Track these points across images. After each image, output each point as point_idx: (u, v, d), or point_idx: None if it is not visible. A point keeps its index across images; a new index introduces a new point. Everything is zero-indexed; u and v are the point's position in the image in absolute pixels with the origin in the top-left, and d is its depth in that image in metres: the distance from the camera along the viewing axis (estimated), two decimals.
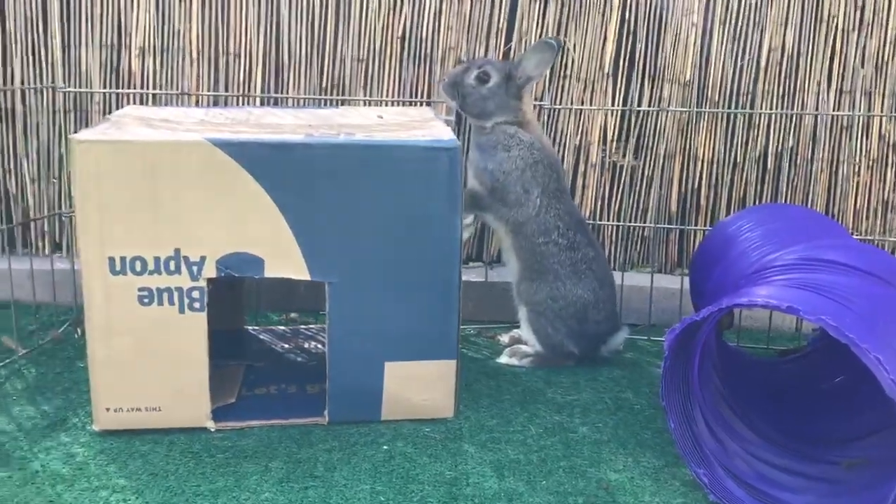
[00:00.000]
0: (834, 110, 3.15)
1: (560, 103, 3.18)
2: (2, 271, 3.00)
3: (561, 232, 2.64)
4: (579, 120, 3.22)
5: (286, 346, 2.78)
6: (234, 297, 2.83)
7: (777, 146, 3.21)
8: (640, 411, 2.42)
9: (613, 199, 3.28)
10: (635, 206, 3.28)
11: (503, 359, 2.75)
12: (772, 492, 1.97)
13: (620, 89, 3.21)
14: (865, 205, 3.22)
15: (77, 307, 2.86)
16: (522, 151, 2.61)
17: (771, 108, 3.16)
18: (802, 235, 2.26)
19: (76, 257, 2.90)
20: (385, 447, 2.16)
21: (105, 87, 3.11)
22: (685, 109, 3.14)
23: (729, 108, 3.17)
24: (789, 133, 3.20)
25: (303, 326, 2.97)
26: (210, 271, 2.13)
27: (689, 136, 3.20)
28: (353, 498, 1.92)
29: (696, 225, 3.23)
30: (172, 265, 2.12)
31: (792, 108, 3.16)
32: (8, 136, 3.16)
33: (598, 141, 3.22)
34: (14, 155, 3.18)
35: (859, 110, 3.14)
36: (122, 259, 2.11)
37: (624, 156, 3.25)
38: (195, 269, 2.13)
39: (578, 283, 2.65)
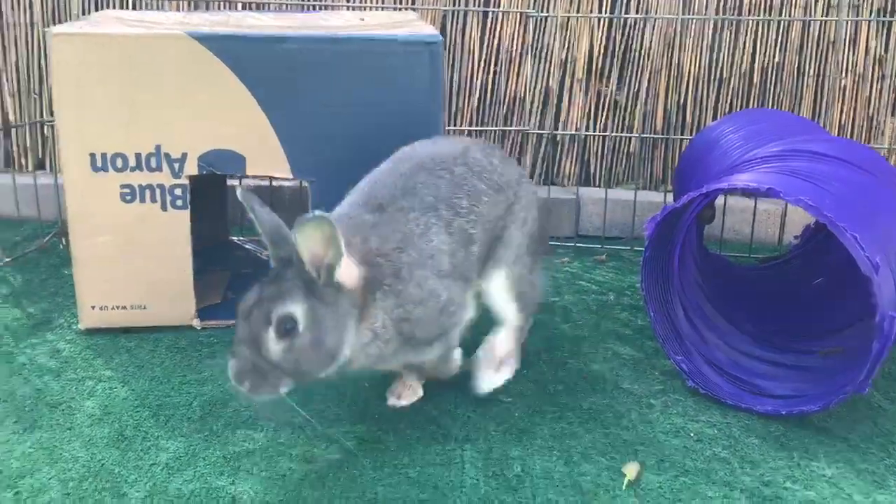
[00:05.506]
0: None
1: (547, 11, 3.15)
2: None
3: None
4: (565, 35, 3.19)
5: None
6: (218, 209, 2.82)
7: (763, 61, 3.19)
8: (621, 312, 2.44)
9: (599, 115, 3.27)
10: (621, 122, 3.27)
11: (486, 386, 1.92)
12: (748, 378, 2.01)
13: (607, 4, 3.17)
14: (850, 121, 3.22)
15: (62, 220, 2.85)
16: None
17: (759, 17, 3.14)
18: (785, 133, 2.26)
19: (59, 172, 2.89)
20: None
21: None
22: (671, 16, 3.12)
23: (716, 23, 3.15)
24: (776, 48, 3.18)
25: None
26: (192, 168, 2.13)
27: (675, 51, 3.18)
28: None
29: (682, 135, 3.22)
30: (154, 162, 2.11)
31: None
32: None
33: (585, 56, 3.20)
34: None
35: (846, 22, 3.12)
36: (104, 156, 2.10)
37: (607, 86, 3.24)
38: (177, 166, 2.12)
39: None
